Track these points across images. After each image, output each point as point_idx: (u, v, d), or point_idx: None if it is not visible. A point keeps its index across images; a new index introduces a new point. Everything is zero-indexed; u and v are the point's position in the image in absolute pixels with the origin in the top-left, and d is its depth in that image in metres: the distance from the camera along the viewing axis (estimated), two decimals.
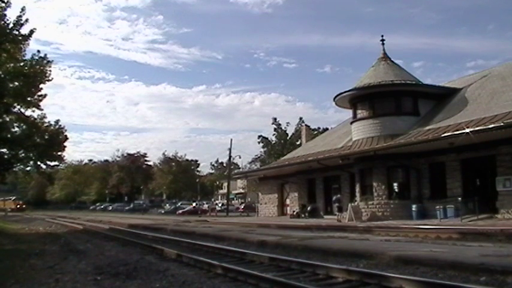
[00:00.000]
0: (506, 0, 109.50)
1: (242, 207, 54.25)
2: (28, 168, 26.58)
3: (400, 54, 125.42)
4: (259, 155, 60.02)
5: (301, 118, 57.76)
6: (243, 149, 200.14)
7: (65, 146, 25.18)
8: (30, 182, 70.47)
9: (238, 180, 70.78)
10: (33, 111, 23.22)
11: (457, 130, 18.63)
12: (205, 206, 56.47)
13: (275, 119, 57.53)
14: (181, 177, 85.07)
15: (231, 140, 78.68)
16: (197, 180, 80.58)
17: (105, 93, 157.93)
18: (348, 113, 29.04)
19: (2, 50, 19.75)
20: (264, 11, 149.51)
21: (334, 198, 26.51)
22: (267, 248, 11.72)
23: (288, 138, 56.72)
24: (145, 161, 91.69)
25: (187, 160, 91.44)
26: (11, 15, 19.52)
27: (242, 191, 75.04)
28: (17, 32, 19.66)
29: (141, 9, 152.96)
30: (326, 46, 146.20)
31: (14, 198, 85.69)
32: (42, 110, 23.31)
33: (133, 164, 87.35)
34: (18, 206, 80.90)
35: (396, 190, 23.47)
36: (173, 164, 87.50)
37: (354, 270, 7.24)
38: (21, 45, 20.57)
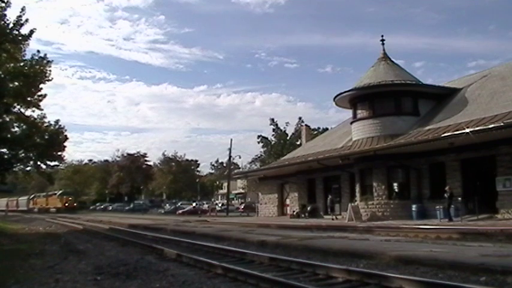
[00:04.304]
0: (507, 1, 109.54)
1: (242, 207, 54.17)
2: (28, 168, 26.48)
3: (401, 54, 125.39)
4: (259, 155, 60.05)
5: (300, 118, 57.70)
6: (243, 149, 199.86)
7: (65, 146, 25.18)
8: (30, 182, 59.02)
9: (238, 180, 70.73)
10: (33, 111, 23.25)
11: (457, 130, 18.64)
12: (205, 206, 56.38)
13: (273, 119, 57.57)
14: (181, 177, 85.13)
15: (231, 140, 78.62)
16: (197, 180, 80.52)
17: (106, 93, 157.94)
18: (348, 113, 29.06)
19: (2, 50, 19.77)
20: (265, 11, 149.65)
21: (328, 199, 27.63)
22: (267, 248, 11.72)
23: (287, 138, 56.66)
24: (146, 161, 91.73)
25: (187, 160, 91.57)
26: (11, 15, 19.57)
27: (242, 191, 74.98)
28: (17, 32, 19.66)
29: (142, 9, 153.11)
30: (327, 46, 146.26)
31: (60, 192, 61.98)
32: (42, 110, 23.34)
33: (133, 164, 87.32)
34: (66, 204, 57.44)
35: (396, 190, 23.49)
36: (173, 164, 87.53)
37: (354, 270, 7.24)
38: (21, 45, 20.59)
